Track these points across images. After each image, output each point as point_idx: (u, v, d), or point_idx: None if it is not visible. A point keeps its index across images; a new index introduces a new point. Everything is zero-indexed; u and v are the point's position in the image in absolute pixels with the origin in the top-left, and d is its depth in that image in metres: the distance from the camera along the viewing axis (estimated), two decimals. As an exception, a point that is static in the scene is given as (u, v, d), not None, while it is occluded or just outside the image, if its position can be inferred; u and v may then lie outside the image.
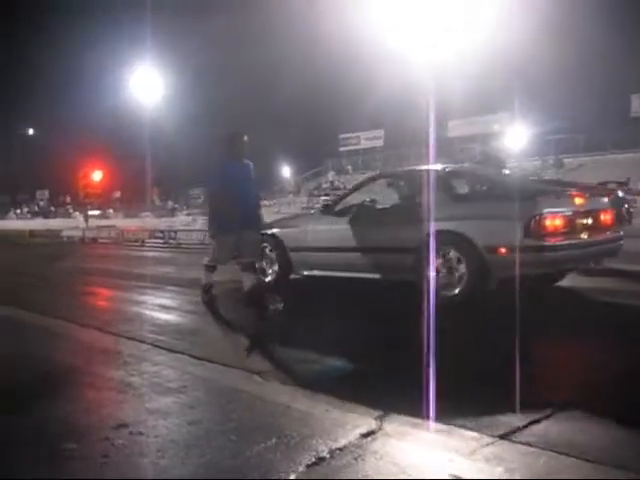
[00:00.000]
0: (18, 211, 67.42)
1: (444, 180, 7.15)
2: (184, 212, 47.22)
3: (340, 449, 2.75)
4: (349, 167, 51.78)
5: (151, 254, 18.44)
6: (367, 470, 2.56)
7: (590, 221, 6.51)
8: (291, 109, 51.63)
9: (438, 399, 3.34)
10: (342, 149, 56.51)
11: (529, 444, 2.75)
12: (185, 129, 51.20)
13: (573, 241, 6.22)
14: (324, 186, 47.44)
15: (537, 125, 41.74)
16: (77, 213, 52.05)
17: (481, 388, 3.61)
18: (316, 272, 8.01)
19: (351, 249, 7.48)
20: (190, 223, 30.89)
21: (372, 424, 3.04)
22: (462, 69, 35.33)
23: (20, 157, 70.59)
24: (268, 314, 6.42)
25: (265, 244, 8.21)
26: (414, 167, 9.14)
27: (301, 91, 46.57)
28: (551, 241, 5.99)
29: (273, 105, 51.43)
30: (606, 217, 6.83)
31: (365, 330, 5.67)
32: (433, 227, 6.50)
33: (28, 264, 15.29)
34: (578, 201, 6.49)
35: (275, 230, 8.35)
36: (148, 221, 40.27)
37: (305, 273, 8.17)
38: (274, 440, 2.87)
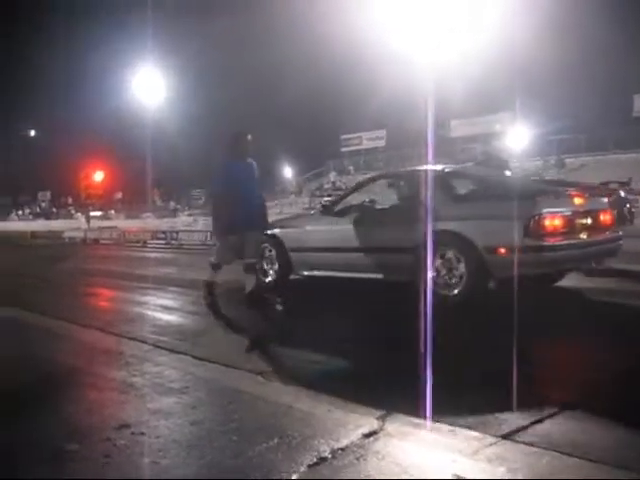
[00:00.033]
0: (20, 212, 67.54)
1: (443, 180, 7.16)
2: (186, 213, 47.29)
3: (342, 449, 2.75)
4: (351, 167, 51.80)
5: (153, 255, 18.46)
6: (369, 470, 2.55)
7: (589, 221, 6.51)
8: (293, 110, 51.67)
9: (440, 399, 3.33)
10: (344, 149, 56.51)
11: (532, 444, 2.74)
12: (187, 130, 51.27)
13: (572, 241, 6.21)
14: (326, 187, 47.48)
15: (539, 125, 41.74)
16: (79, 214, 52.11)
17: (483, 388, 3.61)
18: (316, 272, 8.01)
19: (351, 249, 7.48)
20: (192, 224, 30.93)
21: (374, 424, 3.03)
22: (464, 69, 35.36)
23: (22, 158, 70.72)
24: (270, 315, 6.42)
25: (265, 244, 8.21)
26: (414, 167, 9.13)
27: (303, 92, 46.60)
28: (550, 241, 5.99)
29: (275, 106, 51.48)
30: (605, 217, 6.82)
31: (366, 330, 5.66)
32: (432, 227, 6.51)
33: (30, 265, 15.31)
34: (577, 201, 6.50)
35: (275, 230, 8.35)
36: (150, 222, 40.34)
37: (305, 273, 8.17)
38: (276, 440, 2.86)
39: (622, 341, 4.68)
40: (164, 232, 24.60)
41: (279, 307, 6.62)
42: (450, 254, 6.40)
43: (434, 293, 6.39)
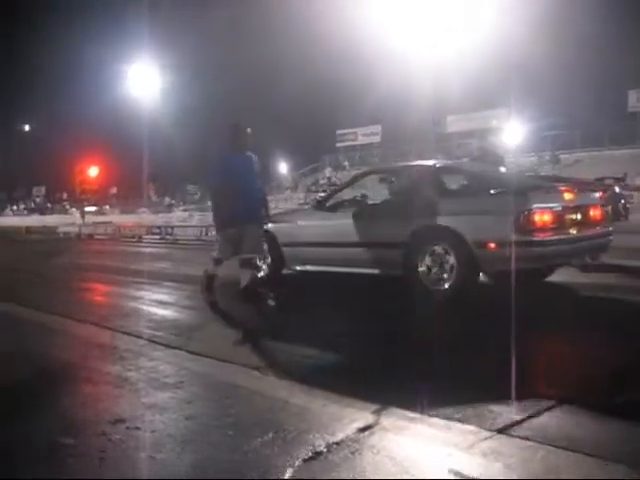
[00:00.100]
0: (14, 207, 67.36)
1: (434, 176, 7.21)
2: (181, 208, 47.23)
3: (337, 443, 2.75)
4: (346, 163, 51.74)
5: (148, 250, 18.44)
6: (364, 465, 2.55)
7: (579, 216, 6.52)
8: (289, 105, 51.52)
9: (435, 393, 3.34)
10: (339, 145, 56.45)
11: (527, 438, 2.74)
12: (182, 125, 51.14)
13: (562, 236, 6.22)
14: (321, 182, 47.39)
15: (534, 121, 41.78)
16: (74, 209, 52.06)
17: (478, 383, 3.60)
18: (308, 267, 8.03)
19: (342, 244, 7.50)
20: (187, 219, 30.90)
21: (369, 418, 3.03)
22: (460, 65, 35.37)
23: (16, 153, 70.46)
24: (265, 309, 6.42)
25: None
26: (405, 163, 9.14)
27: (299, 87, 46.51)
28: (540, 236, 6.00)
29: (271, 101, 51.35)
30: (595, 212, 6.83)
31: (360, 325, 5.66)
32: (423, 222, 6.54)
33: (25, 260, 15.29)
34: (567, 196, 6.51)
35: (268, 225, 8.36)
36: (145, 217, 40.27)
37: (297, 268, 8.18)
38: (271, 435, 2.86)
39: (618, 336, 4.68)
40: (159, 227, 24.59)
41: (274, 302, 6.61)
42: (440, 249, 6.42)
43: (425, 287, 6.45)
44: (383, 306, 6.51)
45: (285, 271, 8.38)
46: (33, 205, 68.47)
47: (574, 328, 5.10)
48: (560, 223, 6.23)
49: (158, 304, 7.13)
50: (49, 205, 66.09)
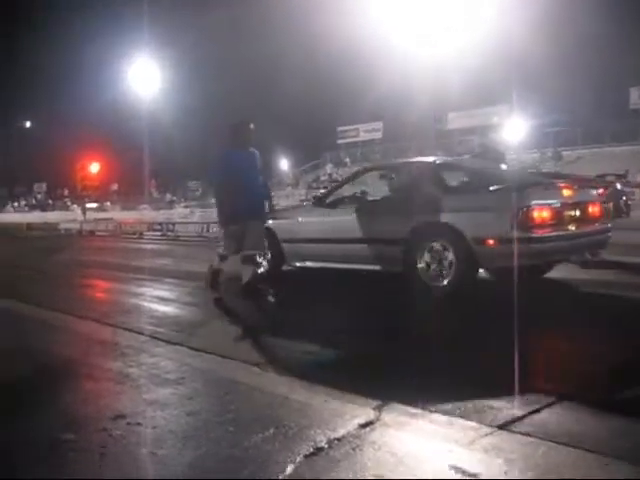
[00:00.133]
0: (15, 204, 67.29)
1: (434, 172, 7.22)
2: (182, 204, 47.22)
3: (338, 439, 2.75)
4: (347, 159, 51.68)
5: (149, 246, 18.44)
6: (365, 460, 2.56)
7: (578, 213, 6.54)
8: (290, 102, 51.43)
9: (436, 389, 3.35)
10: (341, 141, 56.36)
11: (528, 434, 2.75)
12: (183, 122, 51.06)
13: (561, 233, 6.25)
14: (322, 179, 47.38)
15: (536, 117, 41.68)
16: (75, 206, 52.00)
17: (479, 379, 3.60)
18: (308, 263, 8.04)
19: (342, 241, 7.52)
20: (188, 215, 30.95)
21: (370, 414, 3.04)
22: (461, 62, 35.31)
23: (17, 150, 70.42)
24: (265, 306, 6.41)
25: None
26: (405, 159, 9.14)
27: (300, 84, 46.45)
28: (539, 233, 6.02)
29: (272, 98, 51.28)
30: (594, 209, 6.85)
31: (360, 321, 5.66)
32: (423, 219, 6.56)
33: (26, 257, 15.29)
34: (566, 193, 6.52)
35: (268, 221, 8.36)
36: (146, 213, 40.28)
37: (297, 264, 8.20)
38: (272, 431, 2.87)
39: (618, 333, 4.68)
40: (160, 224, 24.56)
41: (274, 298, 6.60)
42: (439, 245, 6.45)
43: (424, 284, 6.47)
44: (383, 302, 6.53)
45: (285, 267, 8.38)
46: (34, 201, 68.42)
47: (573, 324, 5.11)
48: (559, 219, 6.24)
49: (159, 300, 7.13)
50: (50, 201, 66.04)
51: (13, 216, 52.92)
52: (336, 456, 2.60)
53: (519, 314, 4.32)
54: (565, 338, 4.76)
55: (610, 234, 7.02)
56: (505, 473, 2.40)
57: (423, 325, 5.43)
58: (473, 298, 6.25)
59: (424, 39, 37.49)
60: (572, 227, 6.44)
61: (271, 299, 6.54)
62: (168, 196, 54.69)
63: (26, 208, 63.79)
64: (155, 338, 4.98)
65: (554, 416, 3.01)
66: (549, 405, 3.12)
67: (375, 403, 3.18)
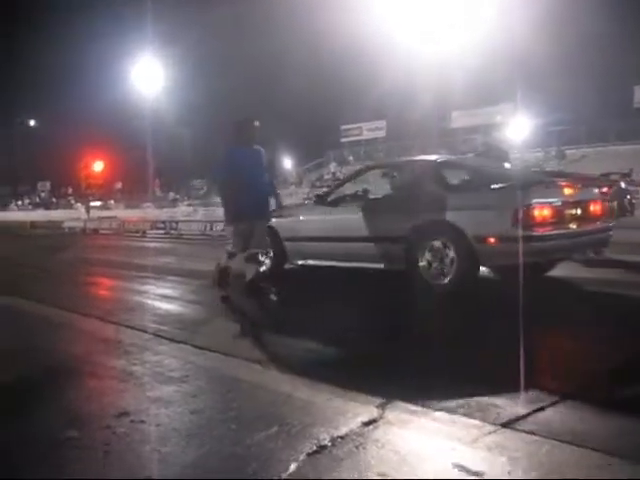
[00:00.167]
0: (19, 202, 67.39)
1: (436, 171, 7.23)
2: (185, 203, 47.15)
3: (342, 437, 2.75)
4: (351, 158, 51.64)
5: (152, 245, 18.45)
6: (368, 458, 2.55)
7: (579, 211, 6.54)
8: (293, 100, 51.39)
9: (439, 387, 3.35)
10: (344, 140, 56.29)
11: (532, 432, 2.74)
12: (186, 120, 51.18)
13: (562, 231, 6.25)
14: (326, 177, 47.31)
15: (539, 116, 41.56)
16: (78, 204, 52.00)
17: (482, 377, 3.60)
18: (310, 262, 8.06)
19: (344, 239, 7.53)
20: (191, 214, 30.91)
21: (374, 412, 3.03)
22: (465, 60, 35.26)
23: (21, 148, 70.54)
24: (268, 303, 6.42)
25: None
26: (407, 158, 9.13)
27: (304, 82, 46.40)
28: (540, 231, 6.02)
29: (275, 96, 51.23)
30: (596, 207, 6.85)
31: (363, 319, 5.66)
32: (424, 217, 6.57)
33: (30, 255, 15.32)
34: (567, 191, 6.52)
35: (270, 220, 8.36)
36: (149, 212, 40.24)
37: (299, 263, 8.21)
38: (275, 428, 2.87)
39: (621, 332, 4.67)
40: (163, 222, 24.57)
41: (277, 296, 6.60)
42: (441, 243, 6.46)
43: (425, 282, 6.48)
44: (384, 300, 6.55)
45: (287, 266, 8.39)
46: (38, 200, 68.49)
47: (577, 323, 5.10)
48: (560, 218, 6.25)
49: (163, 298, 7.13)
50: (54, 200, 66.08)
51: (17, 214, 53.02)
52: (339, 454, 2.60)
53: (521, 312, 4.31)
54: (569, 337, 4.75)
55: (612, 232, 7.02)
56: (509, 472, 2.40)
57: (425, 323, 5.43)
58: (475, 296, 6.25)
59: (428, 37, 37.38)
60: (573, 225, 6.44)
61: (273, 297, 6.54)
62: (171, 194, 54.65)
63: (30, 206, 63.86)
64: (159, 336, 4.98)
65: (558, 415, 3.00)
66: (553, 404, 3.11)
67: (378, 401, 3.17)
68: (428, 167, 7.40)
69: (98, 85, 65.56)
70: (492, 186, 6.59)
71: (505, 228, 6.01)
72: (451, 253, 6.35)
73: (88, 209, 43.27)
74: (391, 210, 7.15)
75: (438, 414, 3.01)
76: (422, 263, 6.56)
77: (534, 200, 6.05)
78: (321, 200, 8.31)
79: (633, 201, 19.99)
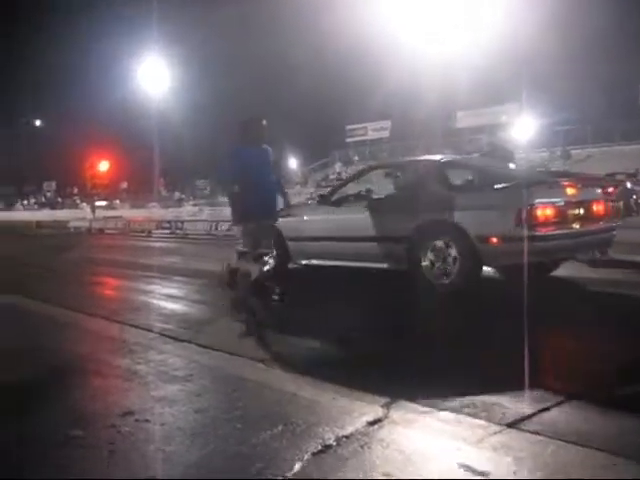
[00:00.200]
0: (25, 202, 67.56)
1: (439, 171, 7.22)
2: (191, 203, 47.18)
3: (347, 437, 2.75)
4: (356, 158, 51.60)
5: (158, 244, 18.48)
6: (373, 458, 2.55)
7: (582, 211, 6.54)
8: (299, 100, 51.40)
9: (444, 387, 3.34)
10: (349, 140, 56.23)
11: (537, 433, 2.73)
12: (192, 120, 51.09)
13: (565, 231, 6.26)
14: (331, 177, 47.26)
15: (545, 116, 41.46)
16: (84, 204, 52.10)
17: (487, 377, 3.59)
18: (314, 261, 8.06)
19: (347, 239, 7.54)
20: (197, 214, 30.91)
21: (379, 412, 3.03)
22: (470, 60, 35.19)
23: (27, 148, 70.70)
24: (273, 303, 6.41)
25: None
26: (410, 158, 9.13)
27: (309, 82, 46.41)
28: (542, 231, 6.03)
29: (281, 96, 51.24)
30: (599, 207, 6.84)
31: (367, 319, 5.66)
32: (427, 217, 6.58)
33: (35, 255, 15.34)
34: (570, 191, 6.51)
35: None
36: (155, 212, 40.24)
37: (303, 262, 8.23)
38: (280, 428, 2.86)
39: (626, 332, 4.65)
40: (169, 222, 24.61)
41: (281, 296, 6.58)
42: (443, 243, 6.47)
43: (428, 281, 6.49)
44: (388, 300, 6.55)
45: (290, 265, 8.39)
46: (44, 199, 68.66)
47: (582, 323, 5.08)
48: (563, 218, 6.25)
49: (168, 298, 7.14)
50: (60, 200, 66.24)
51: (23, 214, 53.12)
52: (344, 454, 2.59)
53: (525, 312, 4.30)
54: (573, 337, 4.73)
55: (615, 232, 7.02)
56: (514, 472, 2.39)
57: (428, 323, 5.42)
58: (478, 296, 6.25)
59: (433, 37, 37.38)
60: (576, 225, 6.44)
61: (278, 297, 6.53)
62: (177, 194, 54.71)
63: (36, 206, 64.02)
64: (163, 335, 4.99)
65: (563, 415, 2.99)
66: (558, 404, 3.10)
67: (383, 401, 3.17)
68: (431, 167, 7.40)
69: (104, 85, 65.51)
70: (495, 186, 6.59)
71: (508, 228, 6.02)
72: (454, 253, 6.37)
73: (94, 209, 43.29)
74: (394, 210, 7.15)
75: (443, 414, 3.00)
76: (425, 263, 6.57)
77: (537, 200, 6.05)
78: (324, 200, 8.32)
79: (639, 201, 19.93)
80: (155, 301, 7.00)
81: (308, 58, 45.98)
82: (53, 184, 73.33)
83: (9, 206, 62.86)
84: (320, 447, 2.64)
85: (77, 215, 39.38)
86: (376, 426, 2.87)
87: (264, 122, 6.73)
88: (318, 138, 54.38)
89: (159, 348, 4.57)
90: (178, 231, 22.76)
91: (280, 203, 7.13)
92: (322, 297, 6.86)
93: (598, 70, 37.54)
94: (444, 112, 43.02)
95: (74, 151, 60.19)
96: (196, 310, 6.41)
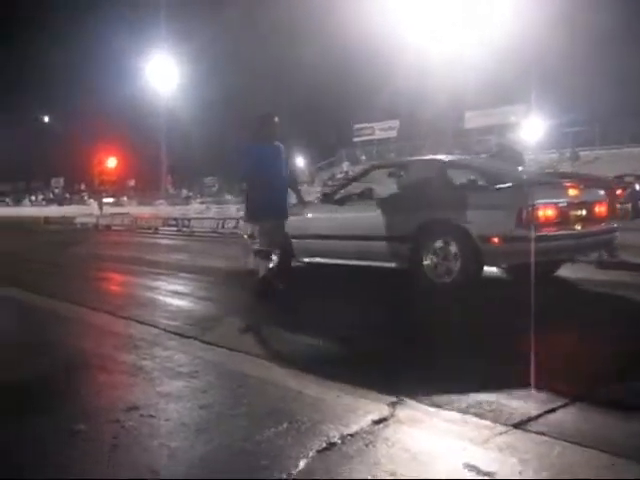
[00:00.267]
0: (33, 198, 67.87)
1: (441, 171, 7.21)
2: (198, 200, 47.31)
3: (351, 435, 2.73)
4: (363, 157, 51.58)
5: (164, 242, 18.49)
6: (378, 457, 2.54)
7: (584, 212, 6.53)
8: (307, 99, 51.47)
9: (450, 387, 3.32)
10: (356, 139, 56.23)
11: (543, 434, 2.72)
12: (200, 118, 51.17)
13: (566, 232, 6.26)
14: (338, 176, 47.20)
15: (554, 117, 41.36)
16: (91, 200, 52.31)
17: (493, 377, 3.57)
18: (317, 259, 8.07)
19: (350, 237, 7.56)
20: (204, 211, 30.91)
21: (384, 410, 3.02)
22: (478, 60, 35.10)
23: (35, 144, 71.00)
24: (279, 300, 6.40)
25: None
26: (413, 157, 9.14)
27: (317, 81, 46.45)
28: (544, 231, 6.02)
29: (288, 95, 51.26)
30: (601, 209, 6.85)
31: (371, 317, 5.64)
32: (429, 216, 6.60)
33: (42, 250, 15.36)
34: (572, 192, 6.51)
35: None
36: (162, 209, 40.34)
37: (306, 260, 8.24)
38: (285, 425, 2.85)
39: (634, 334, 4.63)
40: (176, 219, 24.59)
41: (286, 293, 6.57)
42: (445, 242, 6.47)
43: (430, 280, 6.49)
44: (391, 298, 6.55)
45: (293, 263, 8.38)
46: (51, 196, 68.97)
47: (589, 325, 5.04)
48: (564, 218, 6.26)
49: (174, 295, 7.14)
50: (67, 196, 66.50)
51: (30, 210, 53.37)
52: (349, 452, 2.58)
53: (529, 313, 4.28)
54: (580, 338, 4.71)
55: (617, 234, 7.01)
56: (520, 472, 2.38)
57: (432, 322, 5.40)
58: (480, 296, 6.22)
59: (441, 36, 37.32)
60: (578, 226, 6.45)
61: (283, 294, 6.52)
62: (184, 192, 54.87)
63: (43, 202, 64.36)
64: (169, 331, 4.99)
65: (569, 416, 2.97)
66: (564, 405, 3.09)
67: (389, 399, 3.16)
68: (434, 167, 7.40)
69: (113, 82, 65.59)
70: (497, 186, 6.59)
71: (509, 228, 6.04)
72: (456, 252, 6.38)
73: (101, 205, 43.39)
74: (397, 209, 7.17)
75: (449, 414, 2.99)
76: (427, 262, 6.59)
77: (538, 200, 6.05)
78: (327, 198, 8.34)
79: (647, 203, 19.83)
80: (161, 297, 7.00)
81: (316, 57, 45.95)
82: (61, 180, 73.68)
83: (17, 202, 63.08)
84: (325, 445, 2.63)
85: (84, 211, 39.42)
86: (381, 425, 2.86)
87: (276, 119, 6.71)
88: (325, 137, 54.42)
89: (164, 344, 4.56)
90: (185, 228, 22.74)
91: (292, 200, 7.11)
92: (326, 295, 6.84)
93: (607, 70, 37.44)
94: (452, 112, 42.96)
95: (82, 148, 60.34)
96: (202, 307, 6.41)
